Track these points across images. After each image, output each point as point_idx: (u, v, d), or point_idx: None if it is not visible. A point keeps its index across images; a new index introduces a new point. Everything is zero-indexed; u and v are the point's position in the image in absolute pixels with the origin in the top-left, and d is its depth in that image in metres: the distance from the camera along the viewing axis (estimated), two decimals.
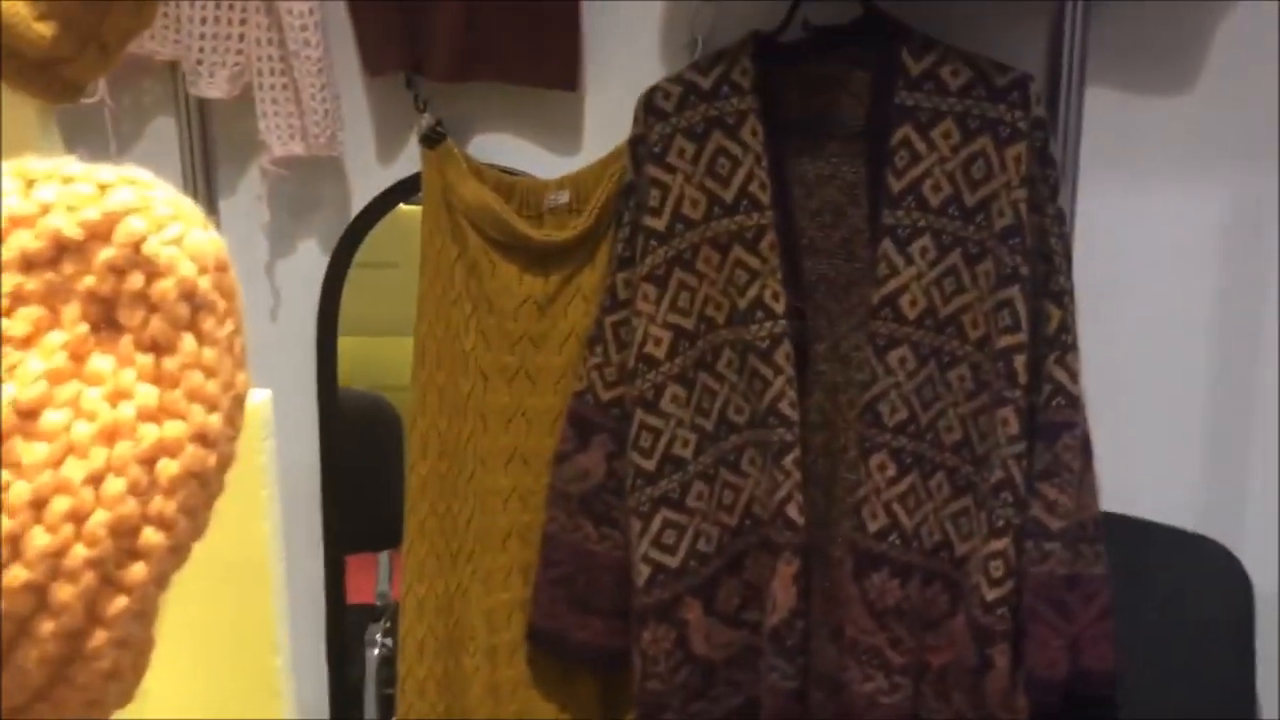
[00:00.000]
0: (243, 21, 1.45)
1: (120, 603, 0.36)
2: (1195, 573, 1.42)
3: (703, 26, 1.45)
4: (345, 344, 1.66)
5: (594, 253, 1.49)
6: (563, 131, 1.54)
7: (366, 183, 1.58)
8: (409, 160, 1.56)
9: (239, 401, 0.39)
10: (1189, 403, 1.47)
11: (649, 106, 1.42)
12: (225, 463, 0.39)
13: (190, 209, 0.38)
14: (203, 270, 0.37)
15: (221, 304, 0.38)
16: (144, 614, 0.38)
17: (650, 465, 1.42)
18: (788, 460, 1.40)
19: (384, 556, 1.80)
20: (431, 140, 1.51)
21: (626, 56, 1.49)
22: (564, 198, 1.50)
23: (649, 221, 1.41)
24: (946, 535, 1.39)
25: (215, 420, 0.38)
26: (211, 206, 1.60)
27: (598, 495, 1.47)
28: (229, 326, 0.38)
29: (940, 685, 1.39)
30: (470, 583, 1.55)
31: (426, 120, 1.51)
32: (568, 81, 1.48)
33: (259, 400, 0.72)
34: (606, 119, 1.50)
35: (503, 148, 1.55)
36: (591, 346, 1.46)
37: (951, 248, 1.36)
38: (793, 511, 1.40)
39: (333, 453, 1.66)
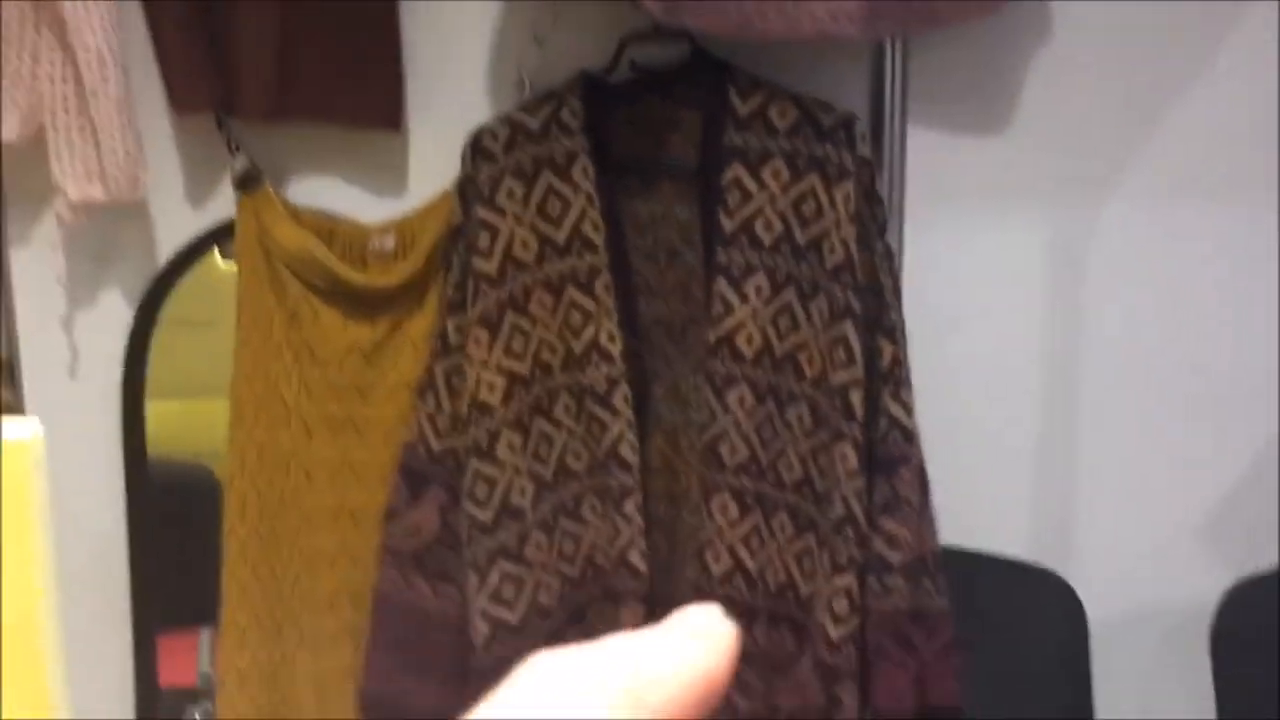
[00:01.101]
0: (34, 59, 1.35)
1: None
2: (1031, 602, 1.44)
3: (530, 66, 1.42)
4: (159, 408, 1.55)
5: (422, 298, 1.44)
6: (386, 174, 1.48)
7: (176, 230, 1.49)
8: (222, 205, 1.48)
9: None
10: (1019, 433, 1.50)
11: (476, 147, 1.38)
12: None
13: None
14: None
15: None
16: None
17: (487, 516, 1.37)
18: (629, 506, 1.36)
19: (205, 633, 1.68)
20: (246, 184, 1.43)
21: (451, 96, 1.45)
22: (389, 242, 1.45)
23: (479, 265, 1.36)
24: (791, 576, 1.37)
25: None
26: (0, 257, 1.48)
27: (432, 551, 1.40)
28: None
29: None
30: (296, 650, 1.46)
31: (240, 163, 1.43)
32: (390, 121, 1.43)
33: (27, 435, 0.63)
34: (432, 161, 1.45)
35: (323, 191, 1.48)
36: (422, 395, 1.40)
37: (785, 285, 1.36)
38: (635, 558, 1.36)
39: (142, 525, 1.54)
